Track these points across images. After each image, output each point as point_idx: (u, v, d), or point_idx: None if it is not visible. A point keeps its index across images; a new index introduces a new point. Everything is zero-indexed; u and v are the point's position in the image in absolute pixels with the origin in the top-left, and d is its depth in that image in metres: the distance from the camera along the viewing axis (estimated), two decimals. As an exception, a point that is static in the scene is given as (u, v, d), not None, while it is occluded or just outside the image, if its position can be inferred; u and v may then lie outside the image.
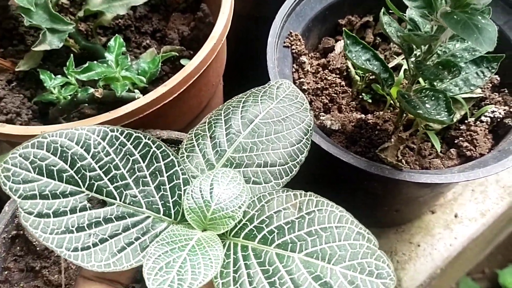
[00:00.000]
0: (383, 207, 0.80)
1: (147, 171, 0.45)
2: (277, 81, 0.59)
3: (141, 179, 0.45)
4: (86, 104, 0.69)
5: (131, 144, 0.45)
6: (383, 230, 0.90)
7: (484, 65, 0.64)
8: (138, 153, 0.45)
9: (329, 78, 0.76)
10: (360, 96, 0.77)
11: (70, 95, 0.67)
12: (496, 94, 0.75)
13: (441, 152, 0.70)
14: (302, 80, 0.75)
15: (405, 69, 0.70)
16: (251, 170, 0.52)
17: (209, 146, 0.54)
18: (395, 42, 0.59)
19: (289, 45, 0.76)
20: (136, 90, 0.68)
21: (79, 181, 0.43)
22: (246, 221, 0.46)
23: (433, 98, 0.59)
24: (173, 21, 0.83)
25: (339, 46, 0.82)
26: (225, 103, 0.58)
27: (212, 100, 0.79)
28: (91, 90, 0.67)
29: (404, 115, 0.68)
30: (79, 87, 0.69)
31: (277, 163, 0.53)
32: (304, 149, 0.54)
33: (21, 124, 0.67)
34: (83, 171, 0.43)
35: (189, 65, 0.64)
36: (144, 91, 0.72)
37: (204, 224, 0.45)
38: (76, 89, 0.66)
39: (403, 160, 0.65)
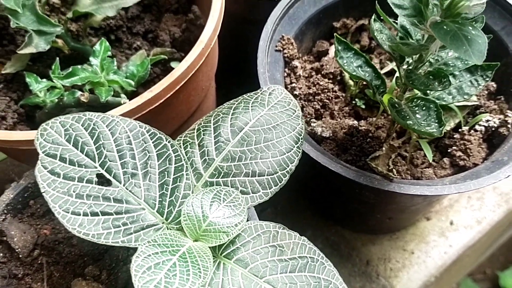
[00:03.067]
0: (375, 215, 0.78)
1: (158, 169, 0.49)
2: (270, 87, 0.58)
3: (150, 174, 0.48)
4: (74, 108, 0.68)
5: (153, 142, 0.49)
6: (377, 237, 0.88)
7: (479, 73, 0.62)
8: (156, 151, 0.49)
9: (321, 83, 0.74)
10: (354, 102, 0.76)
11: (56, 98, 0.66)
12: (492, 101, 0.73)
13: (434, 161, 0.69)
14: (294, 85, 0.74)
15: (396, 77, 0.68)
16: (239, 179, 0.52)
17: (197, 154, 0.53)
18: (386, 50, 0.58)
19: (281, 49, 0.74)
20: (122, 95, 0.67)
21: (96, 156, 0.48)
22: (240, 245, 0.47)
23: (424, 108, 0.58)
24: (165, 22, 0.82)
25: (333, 49, 0.80)
26: (215, 109, 0.57)
27: (203, 103, 0.77)
28: (78, 93, 0.66)
29: (397, 123, 0.67)
30: (67, 90, 0.68)
31: (266, 172, 0.52)
32: (295, 158, 0.54)
33: (6, 128, 0.66)
34: (102, 148, 0.48)
35: (176, 70, 0.62)
36: (134, 95, 0.71)
37: (197, 234, 0.46)
38: (62, 92, 0.65)
39: (394, 170, 0.64)
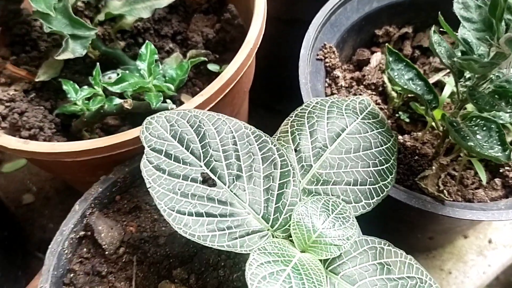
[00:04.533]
0: (416, 234, 0.75)
1: (263, 173, 0.47)
2: (357, 96, 0.58)
3: (254, 178, 0.46)
4: (114, 115, 0.65)
5: (257, 144, 0.47)
6: (413, 255, 0.84)
7: (539, 90, 0.58)
8: (261, 154, 0.47)
9: (364, 94, 0.71)
10: (397, 115, 0.72)
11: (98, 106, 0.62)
12: (546, 119, 0.69)
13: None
14: (335, 96, 0.70)
15: (452, 92, 0.65)
16: (340, 188, 0.50)
17: (294, 160, 0.52)
18: (446, 64, 0.54)
19: (323, 58, 0.71)
20: (168, 100, 0.63)
21: (201, 154, 0.46)
22: (347, 260, 0.45)
23: (484, 128, 0.54)
24: (195, 23, 0.78)
25: (375, 58, 0.76)
26: (303, 109, 0.55)
27: (242, 106, 0.74)
28: (117, 100, 0.62)
29: (447, 139, 0.63)
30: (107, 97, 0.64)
31: (368, 182, 0.51)
32: (393, 170, 0.52)
33: (44, 140, 0.63)
34: (208, 147, 0.47)
35: (226, 73, 0.59)
36: (172, 99, 0.68)
37: (305, 245, 0.44)
38: (104, 100, 0.62)
39: (444, 191, 0.60)
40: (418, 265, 0.45)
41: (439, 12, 0.52)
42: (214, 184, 0.46)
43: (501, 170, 0.65)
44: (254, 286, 0.38)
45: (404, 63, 0.60)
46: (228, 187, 0.46)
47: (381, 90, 0.74)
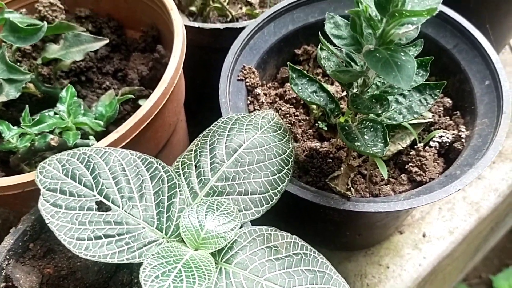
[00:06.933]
0: (345, 232, 0.81)
1: (153, 190, 0.53)
2: (262, 111, 0.63)
3: (146, 195, 0.53)
4: (46, 151, 0.71)
5: (144, 167, 0.54)
6: (353, 253, 0.90)
7: (427, 92, 0.65)
8: (149, 174, 0.54)
9: (283, 108, 0.77)
10: (317, 124, 0.79)
11: (28, 144, 0.68)
12: (448, 117, 0.76)
13: (393, 177, 0.72)
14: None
15: (347, 101, 0.72)
16: (232, 198, 0.56)
17: (194, 175, 0.58)
18: (332, 77, 0.61)
19: (243, 78, 0.78)
20: (91, 137, 0.69)
21: (94, 185, 0.52)
22: (238, 250, 0.51)
23: (372, 129, 0.61)
24: (133, 60, 0.86)
25: (295, 76, 0.83)
26: (211, 128, 0.61)
27: (173, 138, 0.80)
28: (49, 138, 0.69)
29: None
30: (38, 135, 0.71)
31: (258, 191, 0.57)
32: (285, 179, 0.58)
33: (-19, 175, 0.69)
34: (98, 177, 0.53)
35: (140, 110, 0.65)
36: (104, 134, 0.74)
37: (197, 243, 0.50)
38: (33, 138, 0.68)
39: (352, 189, 0.66)
40: (303, 242, 0.52)
41: (320, 32, 0.60)
42: (109, 209, 0.51)
43: (406, 167, 0.71)
44: (148, 285, 0.43)
45: (307, 78, 0.67)
46: (122, 208, 0.52)
47: (304, 103, 0.81)
